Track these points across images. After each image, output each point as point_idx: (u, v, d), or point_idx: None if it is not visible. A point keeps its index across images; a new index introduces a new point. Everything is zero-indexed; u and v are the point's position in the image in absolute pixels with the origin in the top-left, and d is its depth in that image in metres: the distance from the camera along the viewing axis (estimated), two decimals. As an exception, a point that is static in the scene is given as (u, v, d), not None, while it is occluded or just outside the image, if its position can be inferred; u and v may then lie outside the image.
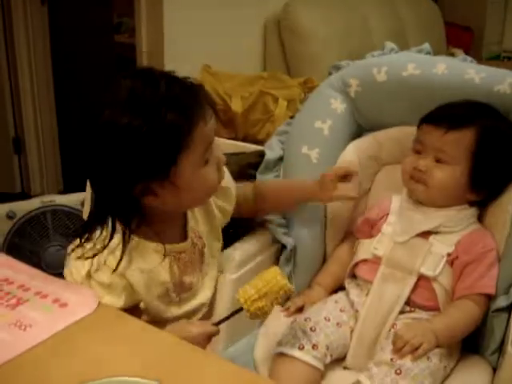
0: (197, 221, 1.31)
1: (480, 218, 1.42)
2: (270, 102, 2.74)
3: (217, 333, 1.18)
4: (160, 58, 3.01)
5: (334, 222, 1.54)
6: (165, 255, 1.19)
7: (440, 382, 1.26)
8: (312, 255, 1.53)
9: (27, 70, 3.28)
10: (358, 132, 1.60)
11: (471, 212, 1.40)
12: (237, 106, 2.74)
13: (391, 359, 1.22)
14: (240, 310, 1.17)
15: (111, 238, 1.14)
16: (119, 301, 1.15)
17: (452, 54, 3.62)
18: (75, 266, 1.15)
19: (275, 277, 1.18)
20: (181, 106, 1.09)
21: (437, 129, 1.37)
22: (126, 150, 1.06)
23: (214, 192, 1.24)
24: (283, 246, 1.48)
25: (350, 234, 1.54)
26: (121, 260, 1.14)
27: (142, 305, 1.20)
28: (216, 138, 1.19)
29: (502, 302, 1.30)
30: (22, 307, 1.01)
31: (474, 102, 1.40)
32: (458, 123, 1.36)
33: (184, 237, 1.27)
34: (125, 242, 1.15)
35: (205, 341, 1.16)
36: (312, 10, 3.42)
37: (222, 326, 1.21)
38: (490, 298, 1.33)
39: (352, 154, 1.55)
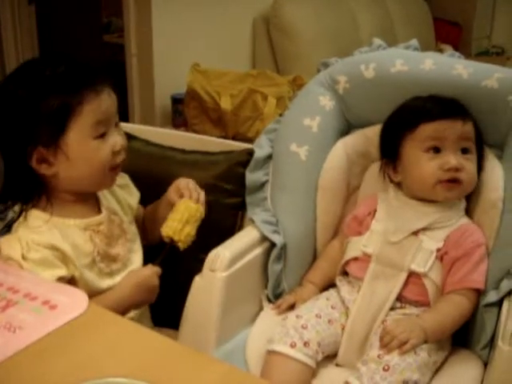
0: (108, 200, 1.39)
1: (470, 214, 1.43)
2: (260, 99, 2.75)
3: (160, 272, 1.32)
4: (149, 56, 3.01)
5: (323, 219, 1.54)
6: (84, 229, 1.29)
7: (430, 376, 1.26)
8: (302, 252, 1.53)
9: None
10: (347, 129, 1.60)
11: (460, 205, 1.41)
12: (226, 103, 2.75)
13: (378, 355, 1.22)
14: (171, 245, 1.32)
15: (20, 215, 1.26)
16: (61, 270, 1.21)
17: (441, 50, 3.62)
18: (9, 252, 1.19)
19: (188, 205, 1.34)
20: (72, 81, 1.21)
21: (454, 121, 1.38)
22: (19, 117, 1.21)
23: (107, 172, 1.28)
24: (274, 244, 1.48)
25: (340, 231, 1.54)
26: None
27: (76, 274, 1.24)
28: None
29: (492, 296, 1.30)
30: (11, 309, 1.01)
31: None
32: (466, 114, 1.40)
33: (98, 212, 1.35)
34: (21, 213, 1.26)
35: (156, 279, 1.31)
36: (300, 7, 3.44)
37: (213, 328, 1.32)
38: (479, 292, 1.33)
39: (341, 150, 1.54)
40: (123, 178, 1.46)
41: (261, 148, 1.57)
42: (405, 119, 1.44)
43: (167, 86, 3.06)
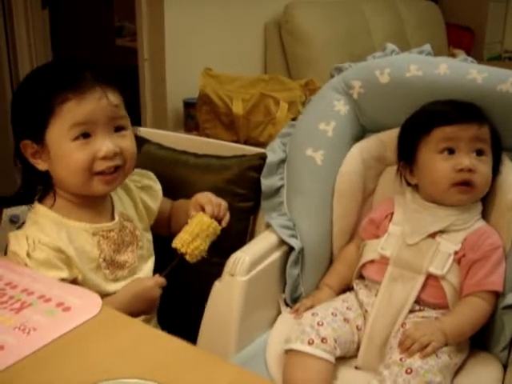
0: (125, 206, 1.40)
1: (486, 217, 1.43)
2: (271, 104, 2.74)
3: (164, 283, 1.31)
4: (161, 61, 3.02)
5: (340, 223, 1.54)
6: (93, 234, 1.29)
7: (450, 378, 1.27)
8: (319, 256, 1.53)
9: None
10: (361, 133, 1.60)
11: (477, 208, 1.42)
12: (238, 108, 2.74)
13: (400, 359, 1.23)
14: (180, 257, 1.31)
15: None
16: (63, 272, 1.21)
17: (453, 55, 3.61)
18: (16, 248, 1.20)
19: (202, 219, 1.33)
20: (60, 80, 1.23)
21: (469, 125, 1.38)
22: (16, 109, 1.28)
23: (91, 177, 1.25)
24: (291, 248, 1.48)
25: (356, 235, 1.55)
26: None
27: (79, 277, 1.24)
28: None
29: (510, 299, 1.30)
30: (25, 311, 1.01)
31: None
32: (482, 119, 1.40)
33: (112, 218, 1.35)
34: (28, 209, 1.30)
35: (158, 291, 1.30)
36: (312, 12, 3.44)
37: (234, 332, 1.33)
38: (497, 295, 1.33)
39: (357, 155, 1.55)
40: (147, 179, 1.47)
41: (274, 152, 1.57)
42: (421, 123, 1.44)
43: (179, 91, 3.06)
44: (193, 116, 2.97)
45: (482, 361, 1.35)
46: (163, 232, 1.48)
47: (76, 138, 1.21)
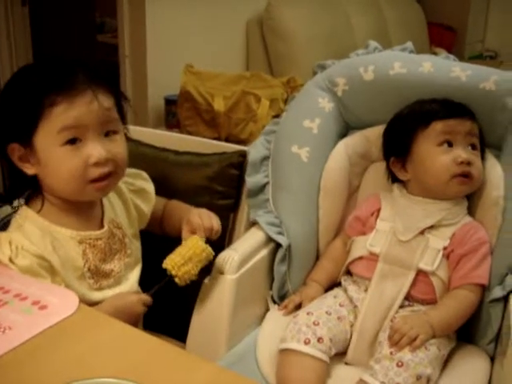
0: (115, 212, 1.36)
1: (471, 213, 1.45)
2: (253, 101, 2.74)
3: (150, 302, 1.28)
4: (143, 57, 3.00)
5: (325, 219, 1.55)
6: (79, 242, 1.25)
7: (439, 369, 1.28)
8: (306, 253, 1.54)
9: (9, 71, 3.26)
10: (345, 130, 1.61)
11: (464, 203, 1.44)
12: (219, 105, 2.74)
13: (391, 352, 1.24)
14: (169, 278, 1.28)
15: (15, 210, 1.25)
16: (45, 281, 1.17)
17: (435, 54, 3.62)
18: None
19: (196, 242, 1.30)
20: (50, 81, 1.17)
21: (463, 119, 1.41)
22: (0, 111, 1.21)
23: (85, 184, 1.20)
24: (278, 245, 1.48)
25: (342, 231, 1.55)
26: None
27: (62, 286, 1.20)
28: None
29: (497, 292, 1.32)
30: (1, 310, 0.99)
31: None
32: (473, 115, 1.43)
33: (101, 225, 1.31)
34: (16, 209, 1.25)
35: (141, 308, 1.27)
36: (294, 9, 3.43)
37: (224, 331, 1.34)
38: (483, 288, 1.35)
39: (342, 151, 1.55)
40: (141, 180, 1.44)
41: (256, 150, 1.57)
42: (417, 118, 1.45)
43: (160, 87, 3.05)
44: (174, 113, 2.96)
45: (469, 353, 1.37)
46: (156, 230, 1.47)
47: (65, 143, 1.17)
